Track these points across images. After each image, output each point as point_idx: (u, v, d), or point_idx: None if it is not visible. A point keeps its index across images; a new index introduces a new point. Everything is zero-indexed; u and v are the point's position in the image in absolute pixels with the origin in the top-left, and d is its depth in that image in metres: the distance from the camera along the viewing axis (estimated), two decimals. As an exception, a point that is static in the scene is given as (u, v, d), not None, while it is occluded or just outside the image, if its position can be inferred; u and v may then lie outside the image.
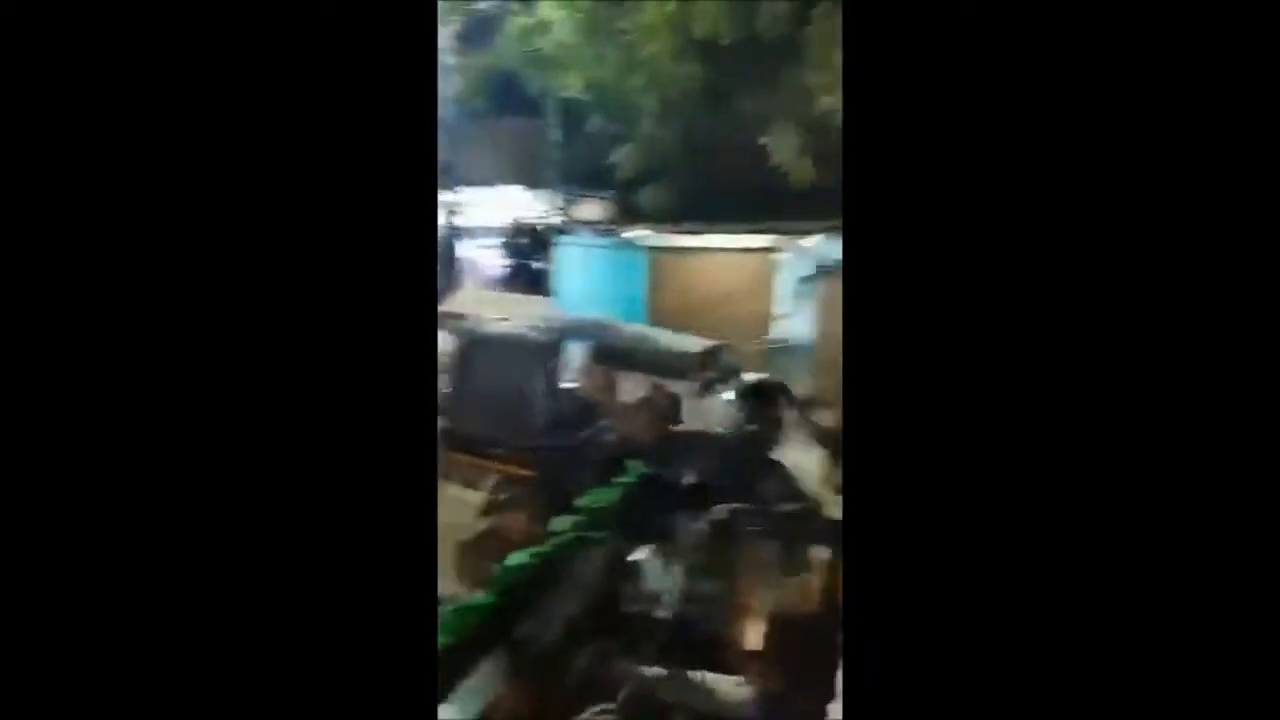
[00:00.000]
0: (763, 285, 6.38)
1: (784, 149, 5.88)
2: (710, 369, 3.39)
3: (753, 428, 2.44)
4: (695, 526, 2.32)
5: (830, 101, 5.49)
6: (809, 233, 6.17)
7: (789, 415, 2.61)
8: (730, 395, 2.95)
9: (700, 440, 2.56)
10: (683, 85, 6.10)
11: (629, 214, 7.14)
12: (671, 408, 3.26)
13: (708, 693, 2.11)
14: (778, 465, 2.44)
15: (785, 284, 6.27)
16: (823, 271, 5.55)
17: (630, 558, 2.52)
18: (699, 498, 2.34)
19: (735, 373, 3.40)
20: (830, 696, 1.07)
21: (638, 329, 4.23)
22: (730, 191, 6.27)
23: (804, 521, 2.31)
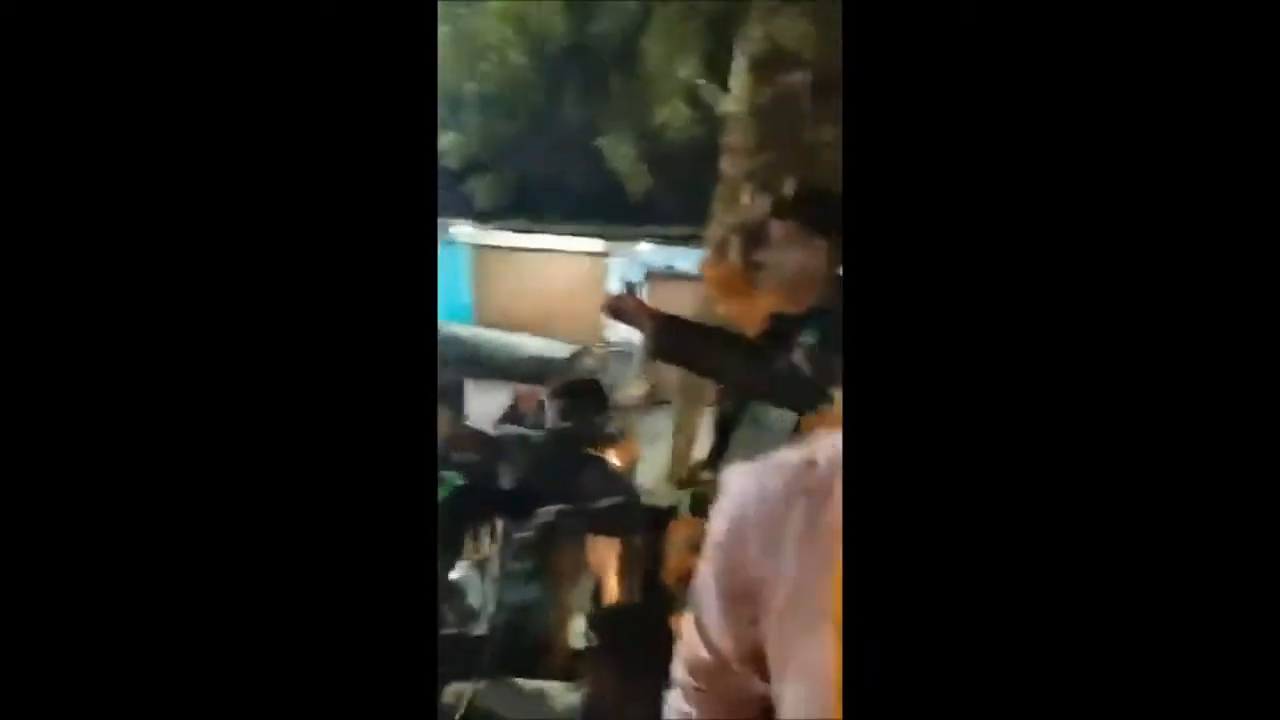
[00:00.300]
0: (593, 289, 6.48)
1: (619, 155, 6.04)
2: (576, 374, 3.39)
3: (567, 425, 2.48)
4: (519, 534, 2.30)
5: (667, 112, 5.72)
6: (641, 238, 6.36)
7: (608, 413, 2.68)
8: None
9: (513, 444, 2.54)
10: (525, 78, 6.07)
11: (451, 207, 6.96)
12: (539, 415, 3.23)
13: (533, 700, 2.10)
14: (597, 461, 2.50)
15: (615, 288, 6.41)
16: (651, 277, 5.76)
17: (449, 576, 2.43)
18: (520, 503, 2.32)
19: (595, 379, 3.41)
20: (664, 685, 1.10)
21: (468, 331, 4.13)
22: (563, 191, 6.31)
23: (626, 513, 2.37)
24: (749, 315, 1.77)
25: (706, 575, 0.66)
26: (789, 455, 0.64)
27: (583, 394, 2.57)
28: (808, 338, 1.48)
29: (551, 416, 2.52)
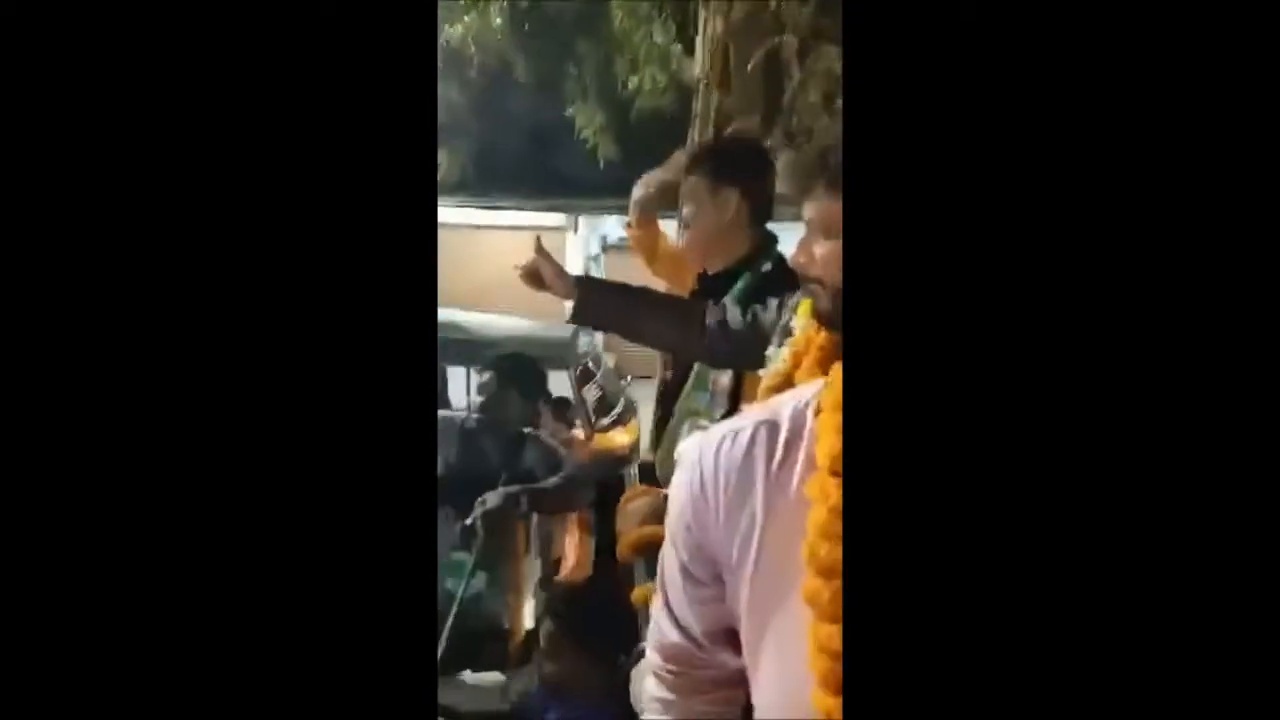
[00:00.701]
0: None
1: (589, 125, 6.03)
2: (578, 355, 3.35)
3: (500, 405, 2.48)
4: (460, 522, 2.31)
5: (637, 82, 5.70)
6: (604, 211, 6.34)
7: (546, 390, 2.69)
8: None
9: (444, 429, 2.53)
10: (503, 47, 6.00)
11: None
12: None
13: (489, 691, 2.12)
14: (534, 438, 2.51)
15: (574, 263, 6.42)
16: (608, 249, 5.72)
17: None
18: (457, 490, 2.31)
19: (598, 358, 3.36)
20: (623, 662, 1.10)
21: (459, 316, 4.04)
22: (526, 165, 6.29)
23: (572, 489, 2.39)
24: (678, 276, 1.79)
25: (669, 553, 0.65)
26: (746, 419, 0.63)
27: (515, 371, 2.57)
28: (734, 294, 1.49)
29: (482, 396, 2.51)
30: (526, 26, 6.00)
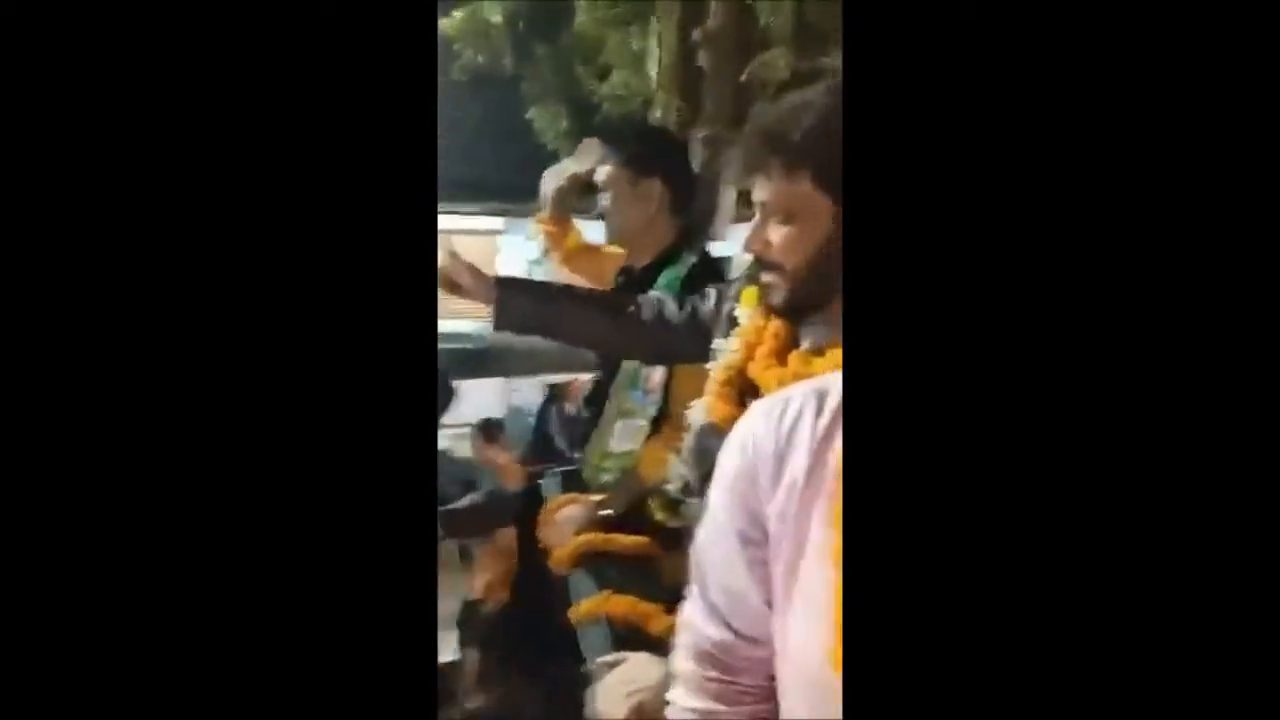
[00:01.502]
0: (486, 269, 6.45)
1: (550, 128, 6.08)
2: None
3: None
4: None
5: (609, 89, 5.77)
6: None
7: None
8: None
9: None
10: (497, 46, 6.01)
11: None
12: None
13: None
14: (445, 457, 2.50)
15: (511, 267, 6.41)
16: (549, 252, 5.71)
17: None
18: None
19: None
20: (558, 684, 1.09)
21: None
22: (479, 167, 6.32)
23: (488, 508, 2.35)
24: (597, 271, 1.76)
25: (710, 535, 0.67)
26: (800, 387, 0.66)
27: None
28: (664, 285, 1.48)
29: None
30: (521, 25, 6.06)
